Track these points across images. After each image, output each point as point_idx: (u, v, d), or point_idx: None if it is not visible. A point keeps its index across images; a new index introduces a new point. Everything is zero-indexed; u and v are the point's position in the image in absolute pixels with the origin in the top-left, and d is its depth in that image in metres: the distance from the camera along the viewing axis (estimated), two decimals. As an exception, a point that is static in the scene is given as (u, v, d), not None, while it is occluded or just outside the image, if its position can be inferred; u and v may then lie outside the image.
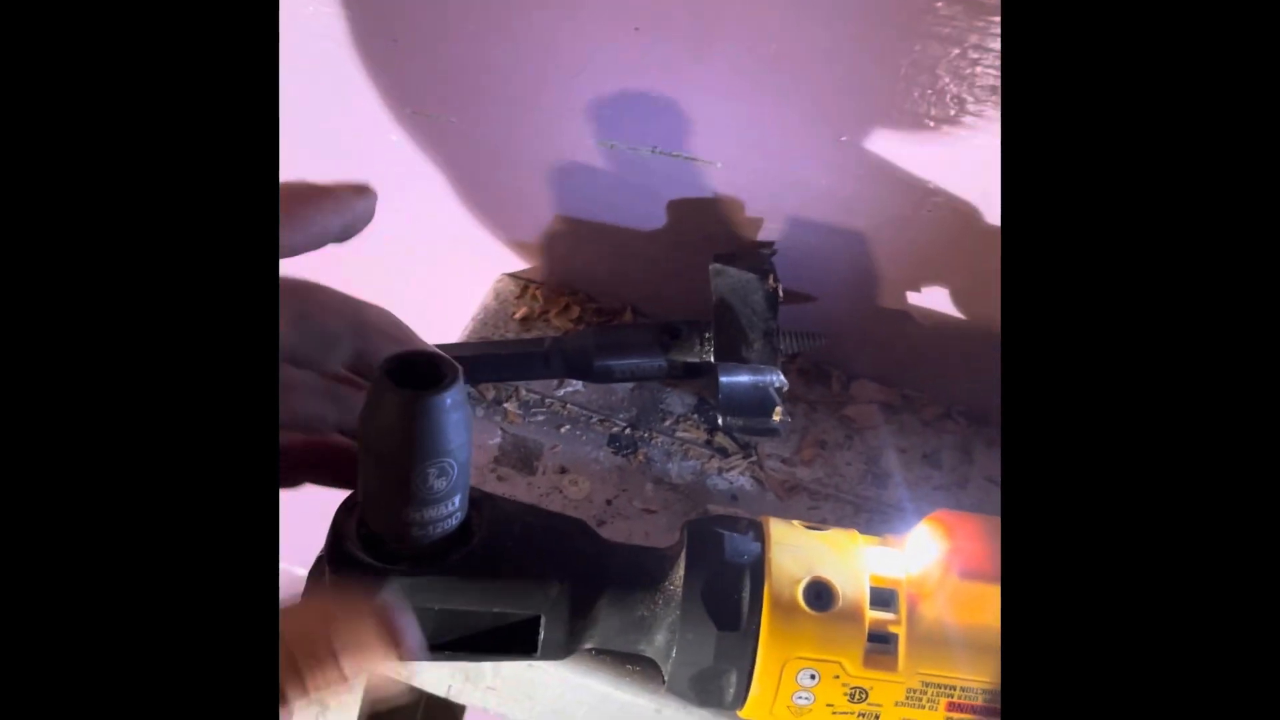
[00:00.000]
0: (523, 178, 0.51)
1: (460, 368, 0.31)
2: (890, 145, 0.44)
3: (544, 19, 0.44)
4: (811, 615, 0.32)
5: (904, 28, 0.40)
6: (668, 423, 0.51)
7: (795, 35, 0.42)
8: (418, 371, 0.31)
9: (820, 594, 0.33)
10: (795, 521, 0.36)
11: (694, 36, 0.43)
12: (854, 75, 0.42)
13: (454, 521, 0.33)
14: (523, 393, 0.51)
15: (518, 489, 0.47)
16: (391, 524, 0.32)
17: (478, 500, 0.35)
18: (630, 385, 0.53)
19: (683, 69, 0.44)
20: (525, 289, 0.58)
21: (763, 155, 0.47)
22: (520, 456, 0.49)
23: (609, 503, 0.47)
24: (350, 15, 0.47)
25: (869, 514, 0.49)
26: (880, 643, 0.32)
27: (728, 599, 0.33)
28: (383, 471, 0.31)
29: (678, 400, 0.53)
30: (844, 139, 0.44)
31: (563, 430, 0.50)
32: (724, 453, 0.50)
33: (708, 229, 0.50)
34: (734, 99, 0.45)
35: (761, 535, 0.34)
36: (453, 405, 0.31)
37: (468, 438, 0.32)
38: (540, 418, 0.51)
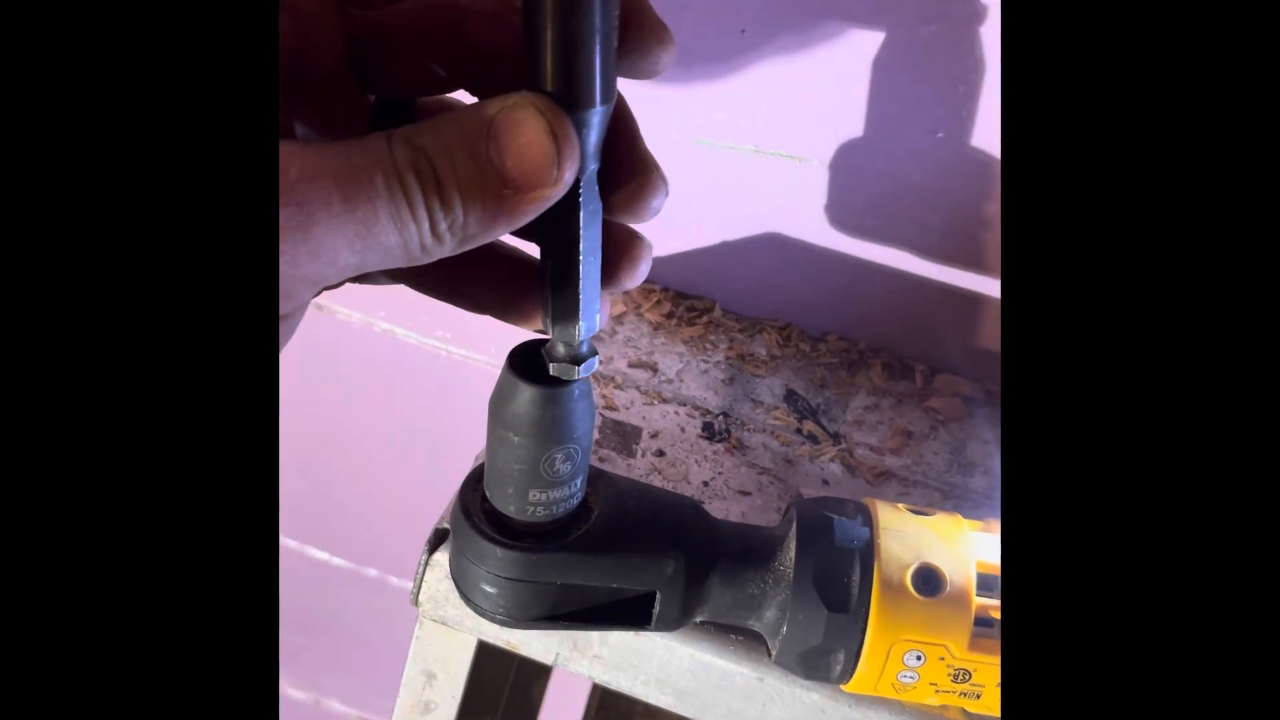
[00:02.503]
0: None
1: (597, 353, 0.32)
2: (987, 142, 0.45)
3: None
4: (920, 600, 0.34)
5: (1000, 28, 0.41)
6: (758, 411, 0.53)
7: (895, 35, 0.43)
8: (539, 358, 0.32)
9: (928, 579, 0.34)
10: (900, 505, 0.37)
11: (796, 39, 0.44)
12: (952, 74, 0.43)
13: (575, 501, 0.35)
14: (618, 378, 0.53)
15: (618, 470, 0.49)
16: (518, 503, 0.34)
17: (595, 478, 0.37)
18: (721, 375, 0.54)
19: (784, 69, 0.45)
20: (617, 279, 0.59)
21: (858, 152, 0.48)
22: (620, 439, 0.51)
23: (705, 484, 0.49)
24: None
25: (956, 500, 0.50)
26: (985, 626, 0.34)
27: (838, 582, 0.34)
28: (512, 457, 0.33)
29: (766, 390, 0.54)
30: (940, 135, 0.45)
31: (657, 416, 0.52)
32: (814, 440, 0.52)
33: (800, 226, 0.52)
34: (833, 98, 0.46)
35: (869, 519, 0.36)
36: (580, 395, 0.33)
37: (592, 424, 0.34)
38: (636, 404, 0.53)
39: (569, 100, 0.25)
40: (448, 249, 0.25)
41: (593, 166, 0.27)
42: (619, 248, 0.30)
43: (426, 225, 0.24)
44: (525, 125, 0.24)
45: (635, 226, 0.31)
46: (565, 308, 0.30)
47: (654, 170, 0.29)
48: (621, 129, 0.29)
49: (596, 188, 0.28)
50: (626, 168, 0.29)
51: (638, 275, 0.31)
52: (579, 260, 0.28)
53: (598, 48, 0.25)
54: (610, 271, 0.30)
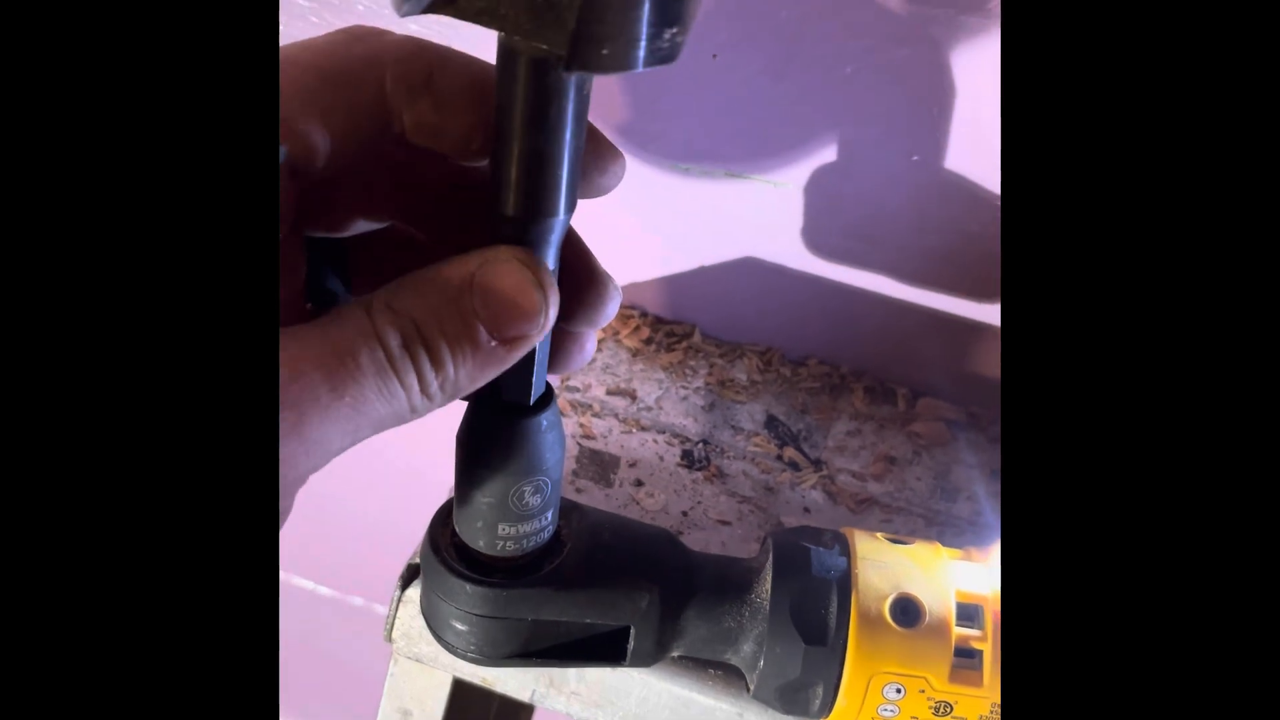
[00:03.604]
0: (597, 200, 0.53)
1: (553, 390, 0.32)
2: (963, 164, 0.45)
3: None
4: (898, 631, 0.33)
5: (976, 48, 0.41)
6: (738, 438, 0.52)
7: (869, 59, 0.43)
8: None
9: (907, 610, 0.33)
10: (878, 534, 0.36)
11: (771, 63, 0.44)
12: (927, 96, 0.43)
13: (546, 535, 0.34)
14: (595, 406, 0.53)
15: (595, 500, 0.48)
16: (487, 538, 0.33)
17: (567, 510, 0.36)
18: (701, 402, 0.54)
19: (758, 95, 0.45)
20: (596, 305, 0.59)
21: (836, 175, 0.47)
22: (597, 469, 0.50)
23: (684, 514, 0.48)
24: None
25: (940, 527, 0.50)
26: (966, 658, 0.33)
27: (815, 614, 0.34)
28: (480, 489, 0.33)
29: (747, 416, 0.53)
30: (915, 158, 0.45)
31: (635, 444, 0.51)
32: (795, 467, 0.51)
33: (778, 250, 0.51)
34: (808, 121, 0.46)
35: (847, 549, 0.35)
36: (549, 426, 0.32)
37: (561, 455, 0.33)
38: (614, 432, 0.52)
39: (536, 210, 0.26)
40: (438, 404, 0.26)
41: (551, 267, 0.28)
42: (588, 290, 0.31)
43: (416, 389, 0.25)
44: (509, 279, 0.25)
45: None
46: (518, 379, 0.30)
47: (608, 283, 0.30)
48: (576, 246, 0.30)
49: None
50: (584, 282, 0.30)
51: (605, 316, 0.31)
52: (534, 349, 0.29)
53: (566, 161, 0.26)
54: (580, 311, 0.31)
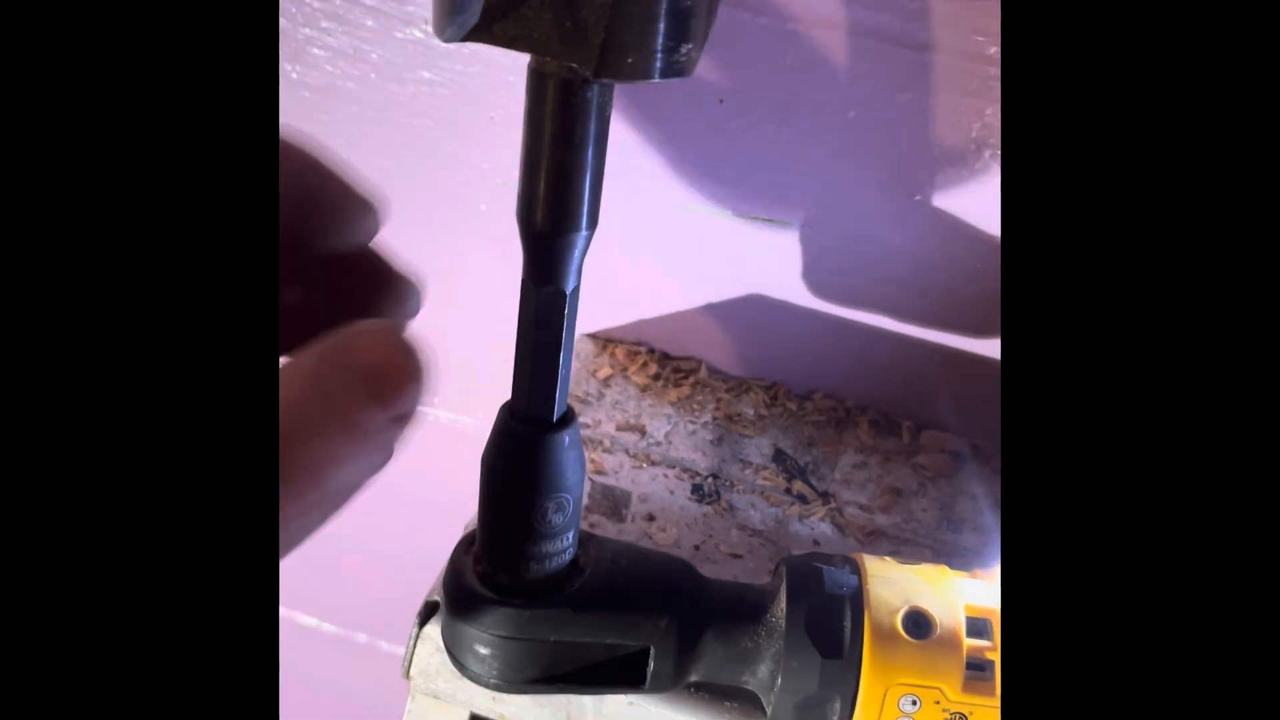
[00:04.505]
0: (608, 239, 0.54)
1: (574, 411, 0.34)
2: (963, 203, 0.47)
3: (630, 91, 0.47)
4: (911, 643, 0.34)
5: (976, 93, 0.42)
6: (747, 471, 0.53)
7: (872, 102, 0.44)
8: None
9: (918, 622, 0.34)
10: (887, 558, 0.38)
11: (776, 109, 0.46)
12: (928, 138, 0.45)
13: (568, 556, 0.36)
14: (606, 441, 0.54)
15: (609, 534, 0.49)
16: (511, 559, 0.34)
17: (585, 540, 0.37)
18: (709, 436, 0.55)
19: (764, 138, 0.47)
20: (604, 347, 0.60)
21: (840, 215, 0.49)
22: (609, 504, 0.51)
23: (696, 548, 0.49)
24: (449, 95, 0.51)
25: (947, 558, 0.50)
26: (977, 670, 0.34)
27: (830, 628, 0.35)
28: (503, 507, 0.34)
29: (755, 449, 0.55)
30: (918, 198, 0.47)
31: (646, 479, 0.52)
32: (803, 500, 0.52)
33: (783, 287, 0.53)
34: (813, 163, 0.47)
35: (858, 569, 0.36)
36: (570, 444, 0.33)
37: (582, 476, 0.34)
38: (625, 467, 0.53)
39: (563, 224, 0.29)
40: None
41: (574, 284, 0.31)
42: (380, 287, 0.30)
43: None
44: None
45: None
46: (542, 395, 0.32)
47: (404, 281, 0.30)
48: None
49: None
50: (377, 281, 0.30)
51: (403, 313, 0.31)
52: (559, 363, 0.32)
53: (588, 179, 0.28)
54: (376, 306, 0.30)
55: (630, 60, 0.24)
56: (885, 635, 0.34)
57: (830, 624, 0.35)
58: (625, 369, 0.59)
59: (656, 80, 0.25)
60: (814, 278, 0.52)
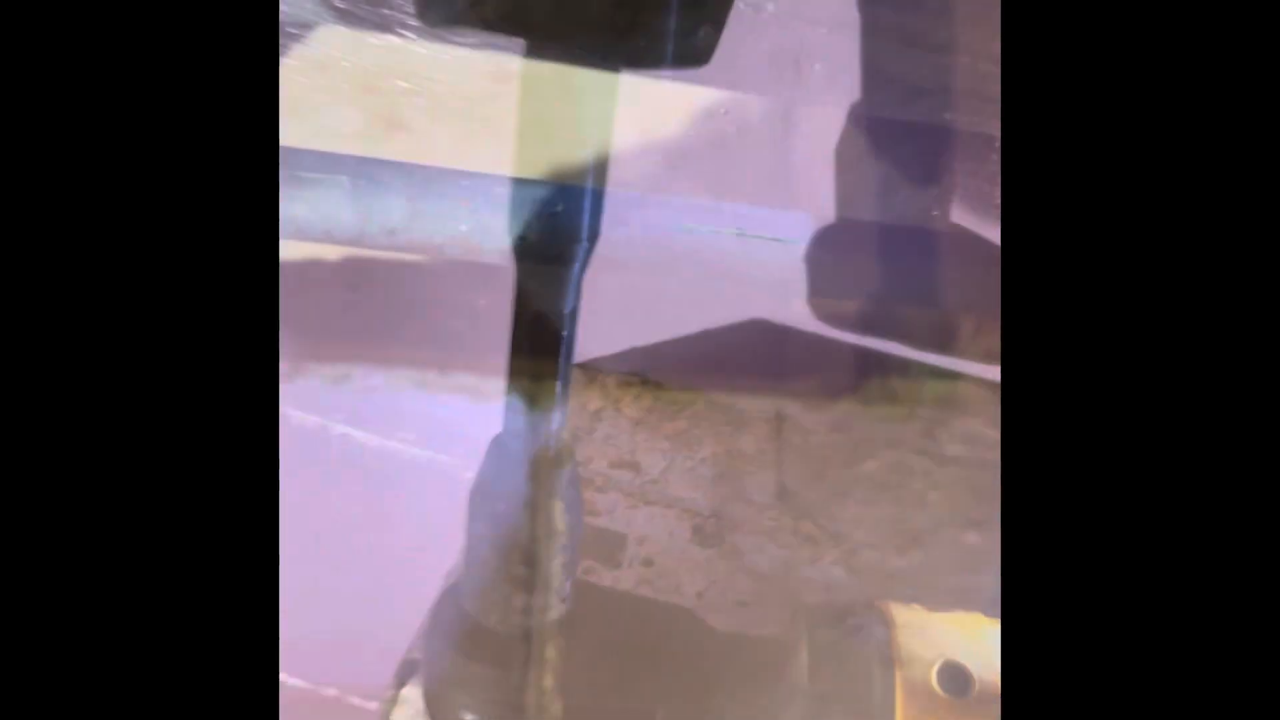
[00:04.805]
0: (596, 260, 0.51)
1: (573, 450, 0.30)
2: (971, 221, 0.44)
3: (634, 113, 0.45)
4: (949, 701, 0.30)
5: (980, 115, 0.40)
6: (750, 510, 0.50)
7: (878, 119, 0.42)
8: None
9: (955, 678, 0.30)
10: (915, 605, 0.34)
11: (777, 122, 0.43)
12: (933, 157, 0.43)
13: (564, 608, 0.32)
14: (598, 480, 0.50)
15: (603, 582, 0.45)
16: (500, 610, 0.31)
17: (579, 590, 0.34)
18: (708, 472, 0.51)
19: (765, 152, 0.44)
20: (594, 379, 0.57)
21: (842, 233, 0.46)
22: (603, 548, 0.47)
23: (699, 595, 0.45)
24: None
25: (968, 606, 0.47)
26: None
27: (857, 690, 0.31)
28: (493, 551, 0.30)
29: (757, 487, 0.51)
30: (935, 213, 0.44)
31: (642, 520, 0.49)
32: (812, 541, 0.49)
33: (786, 310, 0.50)
34: (815, 179, 0.45)
35: (884, 618, 0.33)
36: (569, 482, 0.30)
37: (579, 518, 0.31)
38: (619, 507, 0.49)
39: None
40: None
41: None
42: None
43: None
44: None
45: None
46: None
47: None
48: None
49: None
50: None
51: None
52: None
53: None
54: None
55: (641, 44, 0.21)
56: (920, 695, 0.30)
57: (857, 684, 0.31)
58: (617, 401, 0.55)
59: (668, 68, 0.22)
60: (817, 299, 0.49)
